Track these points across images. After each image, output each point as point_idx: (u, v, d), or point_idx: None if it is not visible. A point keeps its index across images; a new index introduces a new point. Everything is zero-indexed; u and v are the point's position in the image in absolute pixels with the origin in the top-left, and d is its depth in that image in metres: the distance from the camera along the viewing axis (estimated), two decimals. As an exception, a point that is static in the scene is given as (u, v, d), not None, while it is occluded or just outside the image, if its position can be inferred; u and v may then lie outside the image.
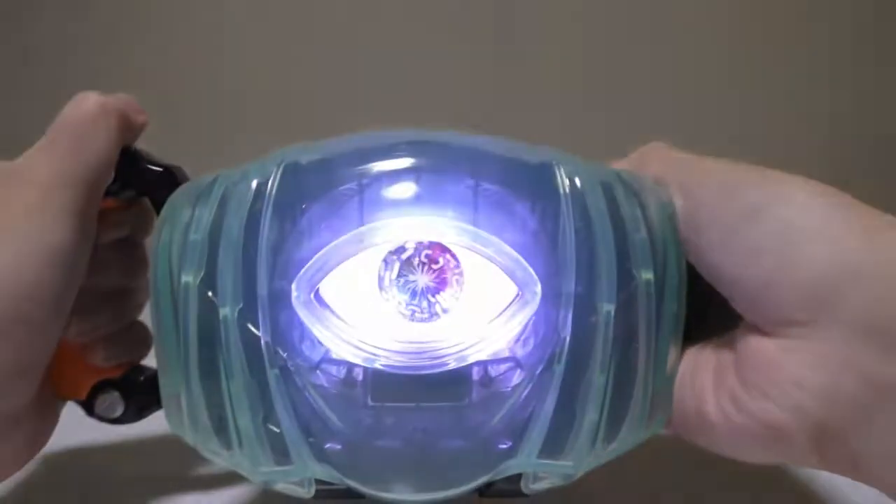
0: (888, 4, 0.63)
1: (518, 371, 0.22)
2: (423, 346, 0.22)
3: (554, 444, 0.21)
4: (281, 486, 0.23)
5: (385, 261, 0.23)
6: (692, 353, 0.24)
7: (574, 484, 0.23)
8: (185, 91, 0.63)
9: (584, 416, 0.21)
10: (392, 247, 0.22)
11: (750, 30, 0.64)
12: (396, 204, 0.21)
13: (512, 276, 0.21)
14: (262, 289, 0.21)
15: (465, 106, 0.63)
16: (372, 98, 0.63)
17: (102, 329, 0.27)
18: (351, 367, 0.22)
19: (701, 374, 0.22)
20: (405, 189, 0.21)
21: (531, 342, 0.22)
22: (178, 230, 0.22)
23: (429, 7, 0.63)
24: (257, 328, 0.21)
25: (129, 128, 0.26)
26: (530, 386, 0.21)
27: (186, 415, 0.22)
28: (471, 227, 0.21)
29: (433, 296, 0.23)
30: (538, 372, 0.21)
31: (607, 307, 0.21)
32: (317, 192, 0.21)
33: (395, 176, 0.21)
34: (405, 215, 0.21)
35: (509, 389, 0.21)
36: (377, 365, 0.21)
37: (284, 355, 0.21)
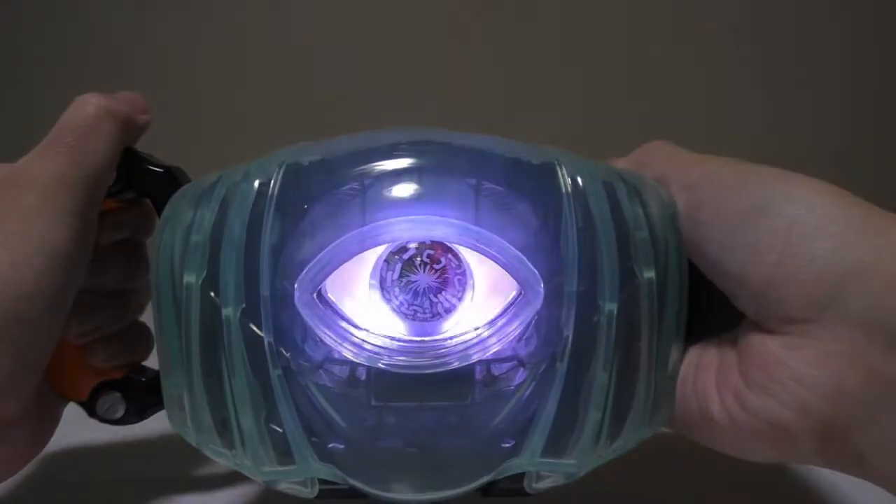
0: (889, 4, 0.63)
1: (521, 370, 0.22)
2: (426, 345, 0.22)
3: (557, 443, 0.21)
4: (284, 486, 0.23)
5: (387, 261, 0.23)
6: (694, 352, 0.24)
7: (577, 483, 0.23)
8: (185, 91, 0.63)
9: (586, 414, 0.21)
10: (394, 247, 0.22)
11: (750, 29, 0.64)
12: (398, 204, 0.21)
13: (514, 275, 0.21)
14: (265, 289, 0.21)
15: (467, 106, 0.63)
16: (373, 98, 0.63)
17: (103, 330, 0.27)
18: (354, 366, 0.22)
19: (704, 373, 0.22)
20: (407, 189, 0.21)
21: (534, 341, 0.22)
22: (179, 231, 0.22)
23: (430, 6, 0.63)
24: (260, 328, 0.21)
25: (130, 129, 0.26)
26: (533, 385, 0.21)
27: (189, 415, 0.22)
28: (473, 227, 0.21)
29: (435, 296, 0.23)
30: (541, 371, 0.21)
31: (609, 306, 0.21)
32: (319, 193, 0.21)
33: (397, 176, 0.21)
34: (407, 215, 0.21)
35: (512, 388, 0.22)
36: (380, 365, 0.21)
37: (287, 355, 0.21)
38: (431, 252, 0.23)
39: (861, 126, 0.66)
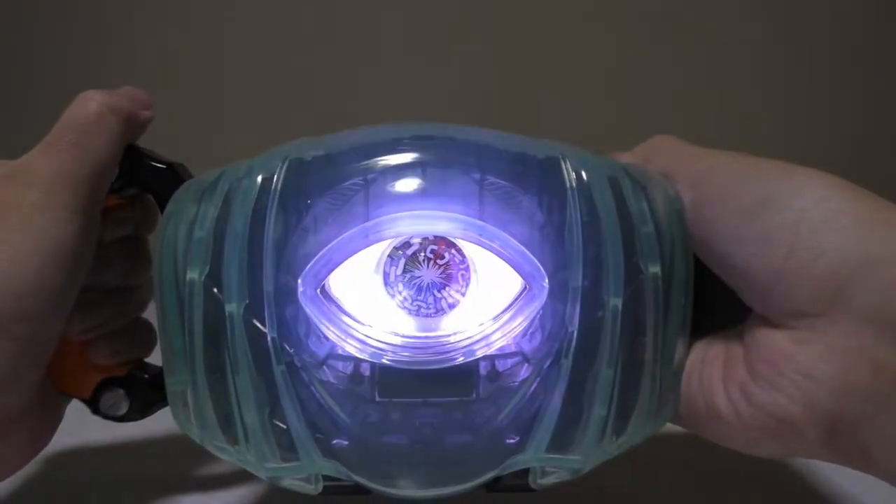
0: (889, 4, 0.63)
1: (525, 366, 0.22)
2: (430, 341, 0.22)
3: (562, 439, 0.21)
4: (287, 483, 0.23)
5: (391, 256, 0.23)
6: (700, 347, 0.23)
7: (582, 478, 0.23)
8: (186, 87, 0.63)
9: (591, 410, 0.21)
10: (398, 242, 0.22)
11: (752, 28, 0.64)
12: (402, 199, 0.21)
13: (519, 270, 0.21)
14: (268, 285, 0.20)
15: (471, 101, 0.63)
16: (376, 92, 0.63)
17: (106, 326, 0.27)
18: (357, 362, 0.22)
19: (710, 368, 0.22)
20: (411, 184, 0.21)
21: (538, 336, 0.22)
22: (182, 227, 0.22)
23: (432, 0, 0.62)
24: (263, 324, 0.21)
25: (132, 126, 0.26)
26: (538, 380, 0.21)
27: (192, 411, 0.22)
28: (477, 222, 0.21)
29: (439, 291, 0.23)
30: (546, 366, 0.21)
31: (615, 301, 0.21)
32: (322, 188, 0.21)
33: (401, 171, 0.21)
34: (411, 210, 0.21)
35: (517, 384, 0.21)
36: (384, 360, 0.21)
37: (291, 351, 0.21)
38: (435, 247, 0.22)
39: (866, 122, 0.65)
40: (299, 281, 0.20)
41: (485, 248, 0.21)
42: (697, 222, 0.22)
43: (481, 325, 0.22)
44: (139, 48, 0.63)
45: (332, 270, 0.21)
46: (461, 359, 0.21)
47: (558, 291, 0.21)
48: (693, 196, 0.22)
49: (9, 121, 0.57)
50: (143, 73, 0.61)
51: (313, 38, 0.63)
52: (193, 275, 0.21)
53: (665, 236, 0.22)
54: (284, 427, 0.21)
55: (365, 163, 0.21)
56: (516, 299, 0.22)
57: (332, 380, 0.21)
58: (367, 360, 0.21)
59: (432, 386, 0.21)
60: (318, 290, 0.21)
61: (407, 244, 0.22)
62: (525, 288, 0.21)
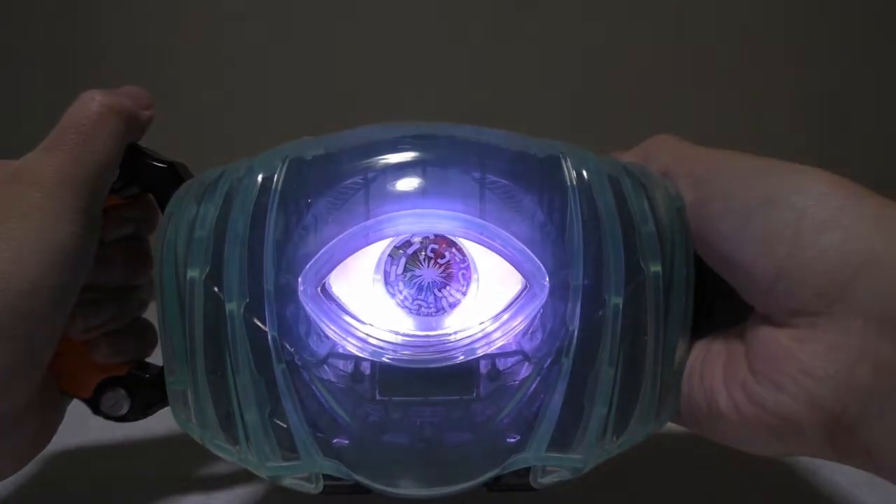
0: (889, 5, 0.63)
1: (526, 364, 0.22)
2: (431, 339, 0.22)
3: (562, 438, 0.21)
4: (288, 482, 0.22)
5: (391, 255, 0.23)
6: (701, 346, 0.23)
7: (582, 477, 0.23)
8: (187, 87, 0.63)
9: (592, 409, 0.21)
10: (398, 241, 0.22)
11: (753, 28, 0.64)
12: (402, 197, 0.21)
13: (520, 268, 0.21)
14: (269, 283, 0.20)
15: (471, 100, 0.63)
16: (377, 92, 0.63)
17: (107, 326, 0.27)
18: (358, 361, 0.22)
19: (711, 367, 0.22)
20: (411, 182, 0.21)
21: (539, 335, 0.22)
22: (183, 226, 0.22)
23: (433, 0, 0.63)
24: (264, 323, 0.21)
25: (133, 126, 0.26)
26: (538, 379, 0.21)
27: (193, 411, 0.22)
28: (478, 220, 0.21)
29: (439, 290, 0.23)
30: (546, 365, 0.21)
31: (615, 300, 0.21)
32: (322, 187, 0.21)
33: (401, 169, 0.21)
34: (411, 209, 0.21)
35: (517, 383, 0.21)
36: (384, 359, 0.21)
37: (291, 350, 0.21)
38: (436, 246, 0.22)
39: (868, 121, 0.65)
40: (300, 280, 0.20)
41: (485, 246, 0.21)
42: (698, 221, 0.22)
43: (482, 323, 0.22)
44: (140, 48, 0.63)
45: (332, 269, 0.21)
46: (462, 357, 0.21)
47: (559, 290, 0.21)
48: (694, 195, 0.22)
49: (9, 121, 0.57)
50: (143, 73, 0.62)
51: (314, 38, 0.63)
52: (194, 274, 0.21)
53: (666, 235, 0.22)
54: (285, 426, 0.21)
55: (365, 162, 0.21)
56: (517, 298, 0.22)
57: (332, 379, 0.21)
58: (367, 359, 0.21)
59: (433, 385, 0.21)
60: (319, 289, 0.21)
61: (407, 243, 0.22)
62: (526, 287, 0.21)
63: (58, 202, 0.23)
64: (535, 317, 0.21)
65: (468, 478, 0.22)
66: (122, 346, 0.28)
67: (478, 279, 0.23)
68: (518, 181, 0.21)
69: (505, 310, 0.22)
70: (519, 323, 0.21)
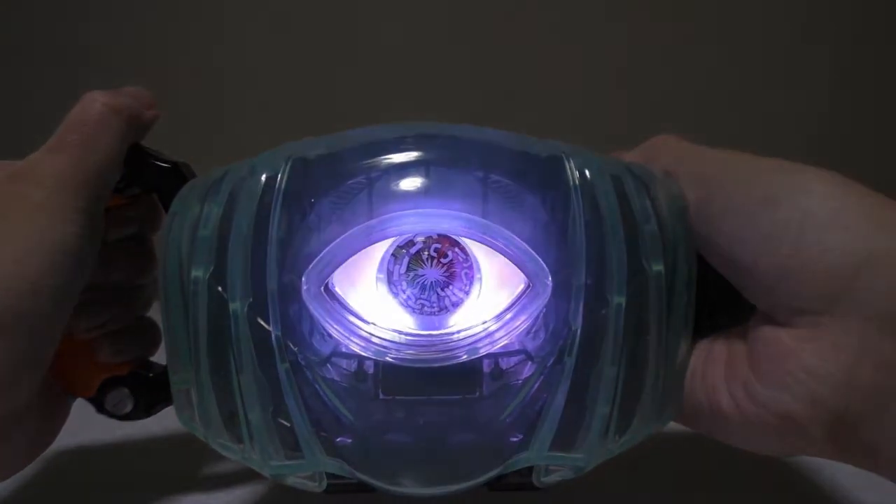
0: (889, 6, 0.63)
1: (529, 364, 0.22)
2: (434, 339, 0.22)
3: (565, 437, 0.21)
4: (291, 481, 0.23)
5: (394, 255, 0.23)
6: (703, 345, 0.23)
7: (585, 476, 0.23)
8: (189, 86, 0.63)
9: (595, 408, 0.21)
10: (401, 240, 0.22)
11: (754, 27, 0.64)
12: (406, 197, 0.21)
13: (522, 268, 0.21)
14: (272, 283, 0.21)
15: (473, 100, 0.63)
16: (379, 91, 0.63)
17: (111, 325, 0.27)
18: (361, 360, 0.22)
19: (713, 366, 0.22)
20: (414, 182, 0.21)
21: (542, 335, 0.22)
22: (187, 226, 0.22)
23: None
24: (267, 322, 0.21)
25: (137, 126, 0.26)
26: (541, 379, 0.21)
27: (197, 410, 0.22)
28: (481, 220, 0.21)
29: (442, 290, 0.23)
30: (549, 364, 0.21)
31: (618, 299, 0.21)
32: (326, 186, 0.21)
33: (404, 169, 0.21)
34: (414, 208, 0.21)
35: (520, 382, 0.21)
36: (388, 358, 0.21)
37: (295, 349, 0.21)
38: (439, 246, 0.23)
39: (871, 121, 0.65)
40: (303, 279, 0.21)
41: (488, 246, 0.21)
42: (701, 221, 0.22)
43: (485, 323, 0.22)
44: (141, 47, 0.63)
45: (335, 269, 0.21)
46: (465, 357, 0.21)
47: (562, 289, 0.21)
48: (696, 194, 0.22)
49: (11, 121, 0.57)
50: (145, 73, 0.62)
51: (315, 37, 0.63)
52: (198, 273, 0.21)
53: (668, 235, 0.22)
54: (288, 425, 0.21)
55: (368, 161, 0.21)
56: (520, 297, 0.22)
57: (335, 378, 0.21)
58: (370, 358, 0.21)
59: (436, 384, 0.21)
60: (322, 289, 0.21)
61: (410, 242, 0.23)
62: (528, 286, 0.21)
63: (60, 202, 0.23)
64: (537, 316, 0.21)
65: (471, 477, 0.22)
66: (125, 345, 0.28)
67: (481, 278, 0.23)
68: (521, 181, 0.21)
69: (508, 309, 0.22)
70: (522, 322, 0.21)
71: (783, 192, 0.20)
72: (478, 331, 0.22)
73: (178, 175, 0.26)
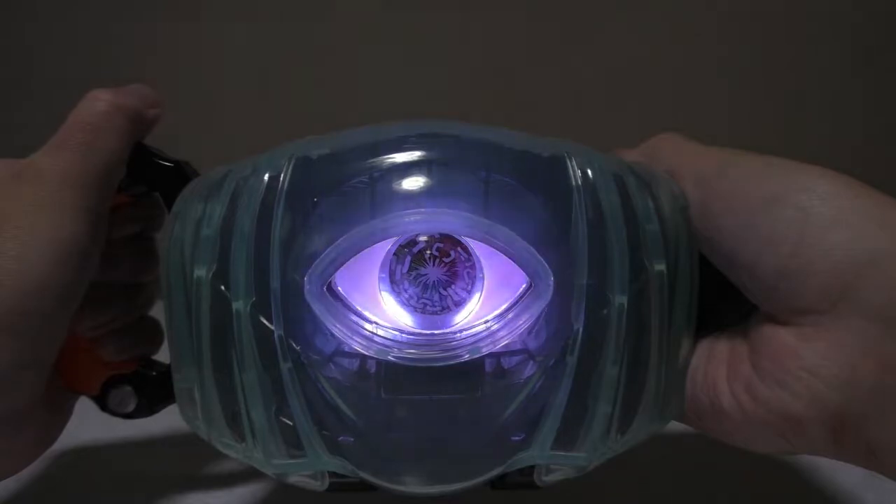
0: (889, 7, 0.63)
1: (531, 363, 0.22)
2: (436, 338, 0.22)
3: (567, 436, 0.21)
4: (294, 479, 0.23)
5: (396, 254, 0.23)
6: (705, 345, 0.23)
7: (586, 475, 0.23)
8: (192, 86, 0.63)
9: (596, 407, 0.21)
10: (403, 240, 0.22)
11: (755, 26, 0.64)
12: (408, 196, 0.21)
13: (524, 267, 0.21)
14: (275, 282, 0.21)
15: (475, 99, 0.63)
16: (380, 91, 0.63)
17: (114, 323, 0.27)
18: (364, 359, 0.22)
19: (714, 365, 0.22)
20: (416, 182, 0.21)
21: (543, 334, 0.22)
22: (189, 225, 0.22)
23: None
24: (270, 321, 0.21)
25: (140, 124, 0.26)
26: (543, 378, 0.21)
27: (200, 408, 0.22)
28: (483, 219, 0.21)
29: (445, 289, 0.23)
30: (551, 364, 0.21)
31: (620, 299, 0.21)
32: (328, 186, 0.21)
33: (407, 169, 0.21)
34: (417, 208, 0.21)
35: (522, 381, 0.21)
36: (390, 357, 0.21)
37: (297, 348, 0.21)
38: (441, 245, 0.23)
39: (872, 121, 0.65)
40: (306, 279, 0.21)
41: (490, 245, 0.21)
42: (703, 220, 0.22)
43: (487, 322, 0.22)
44: (142, 47, 0.63)
45: (338, 268, 0.21)
46: (467, 356, 0.21)
47: (564, 289, 0.21)
48: (698, 194, 0.22)
49: (13, 121, 0.57)
50: (147, 72, 0.62)
51: (316, 37, 0.63)
52: (201, 273, 0.21)
53: (670, 234, 0.22)
54: (291, 424, 0.21)
55: (370, 161, 0.21)
56: (522, 297, 0.22)
57: (338, 377, 0.21)
58: (373, 357, 0.21)
59: (438, 383, 0.21)
60: (325, 288, 0.21)
61: (413, 242, 0.23)
62: (530, 285, 0.21)
63: (64, 201, 0.23)
64: (539, 315, 0.21)
65: (473, 475, 0.22)
66: (128, 343, 0.28)
67: (483, 278, 0.23)
68: (523, 180, 0.21)
69: (510, 308, 0.22)
70: (524, 321, 0.21)
71: (784, 191, 0.20)
72: (480, 330, 0.22)
73: (180, 174, 0.26)
